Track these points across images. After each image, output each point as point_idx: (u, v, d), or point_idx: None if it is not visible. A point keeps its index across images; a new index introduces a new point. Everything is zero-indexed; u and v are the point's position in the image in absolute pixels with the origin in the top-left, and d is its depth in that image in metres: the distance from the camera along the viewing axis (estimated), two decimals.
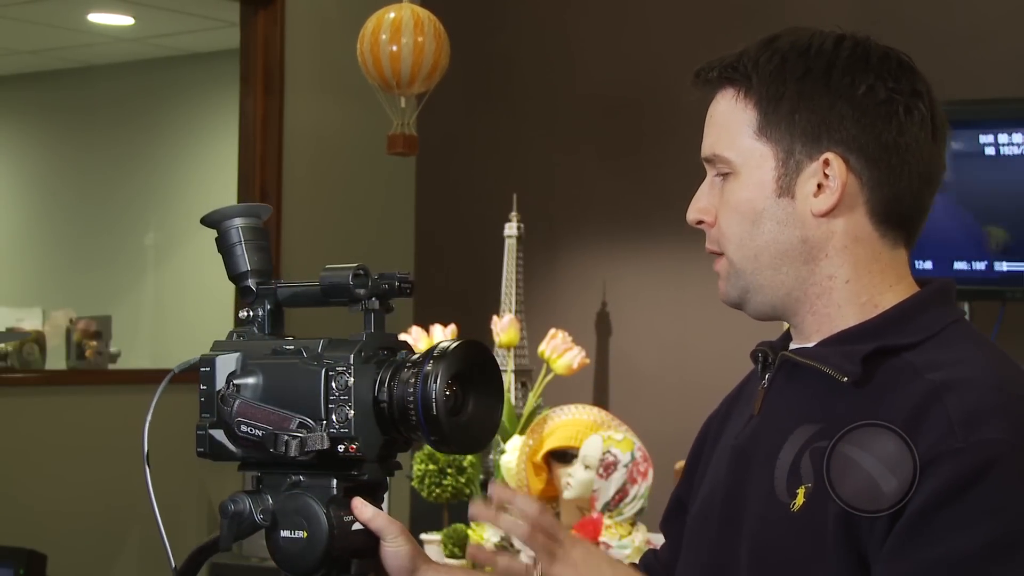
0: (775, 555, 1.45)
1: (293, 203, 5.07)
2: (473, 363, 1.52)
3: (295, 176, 5.09)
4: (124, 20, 7.18)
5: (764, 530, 1.47)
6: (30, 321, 6.39)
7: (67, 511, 4.68)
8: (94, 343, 5.51)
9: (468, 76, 4.96)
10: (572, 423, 3.69)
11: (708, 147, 1.56)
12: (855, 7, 4.47)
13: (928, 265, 3.66)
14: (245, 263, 1.63)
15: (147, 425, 1.64)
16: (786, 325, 1.59)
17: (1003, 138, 3.51)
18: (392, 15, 4.03)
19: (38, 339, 5.34)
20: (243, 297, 1.64)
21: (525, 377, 4.20)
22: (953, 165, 3.63)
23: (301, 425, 1.52)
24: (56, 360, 5.50)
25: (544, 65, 5.09)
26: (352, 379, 1.51)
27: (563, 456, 3.67)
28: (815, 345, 1.52)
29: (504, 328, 3.99)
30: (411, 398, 1.50)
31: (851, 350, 1.46)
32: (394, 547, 1.54)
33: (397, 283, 1.55)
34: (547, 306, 4.83)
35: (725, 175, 1.53)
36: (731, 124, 1.53)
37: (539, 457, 3.68)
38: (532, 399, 3.97)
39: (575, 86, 4.96)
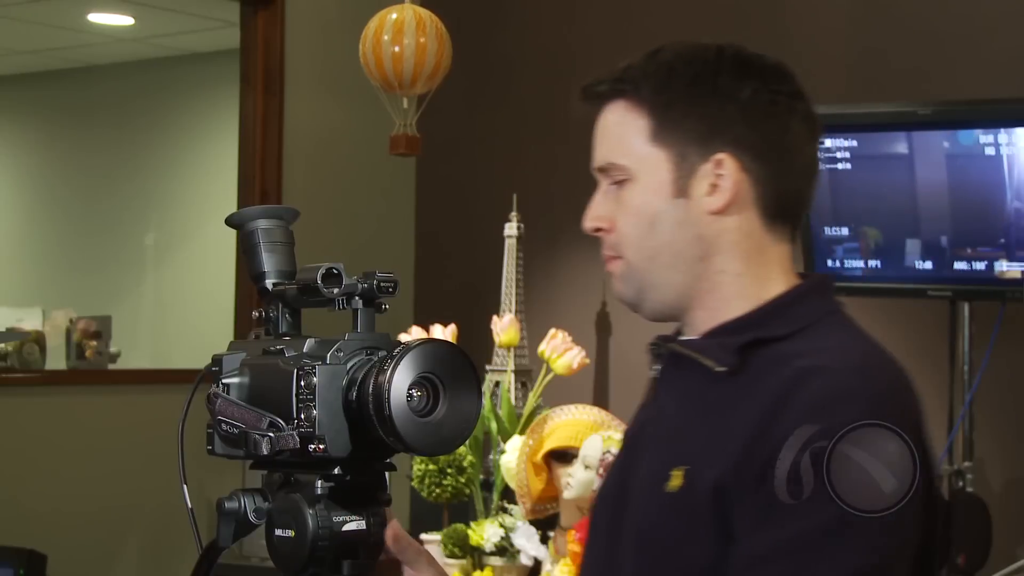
0: (654, 535, 1.52)
1: (293, 203, 5.02)
2: (445, 363, 1.52)
3: (295, 176, 5.09)
4: (124, 20, 7.18)
5: (645, 512, 1.54)
6: (30, 321, 6.38)
7: (67, 511, 4.68)
8: (94, 343, 5.51)
9: (469, 77, 4.96)
10: (572, 423, 3.69)
11: (602, 157, 1.63)
12: (855, 7, 4.47)
13: (928, 265, 3.66)
14: (262, 264, 1.64)
15: (183, 424, 1.67)
16: None
17: (1003, 138, 3.51)
18: (394, 16, 4.03)
19: (38, 339, 5.34)
20: (260, 297, 1.66)
21: (525, 377, 4.21)
22: (953, 165, 3.63)
23: (271, 425, 1.53)
24: (56, 360, 5.50)
25: (544, 65, 5.09)
26: (316, 379, 1.52)
27: (563, 456, 3.67)
28: (699, 337, 1.60)
29: (504, 328, 3.99)
30: (370, 397, 1.51)
31: (729, 341, 1.54)
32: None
33: (377, 283, 1.55)
34: (547, 306, 4.83)
35: (621, 182, 1.60)
36: (624, 133, 1.60)
37: (539, 457, 3.68)
38: (532, 399, 3.97)
39: (575, 86, 4.95)
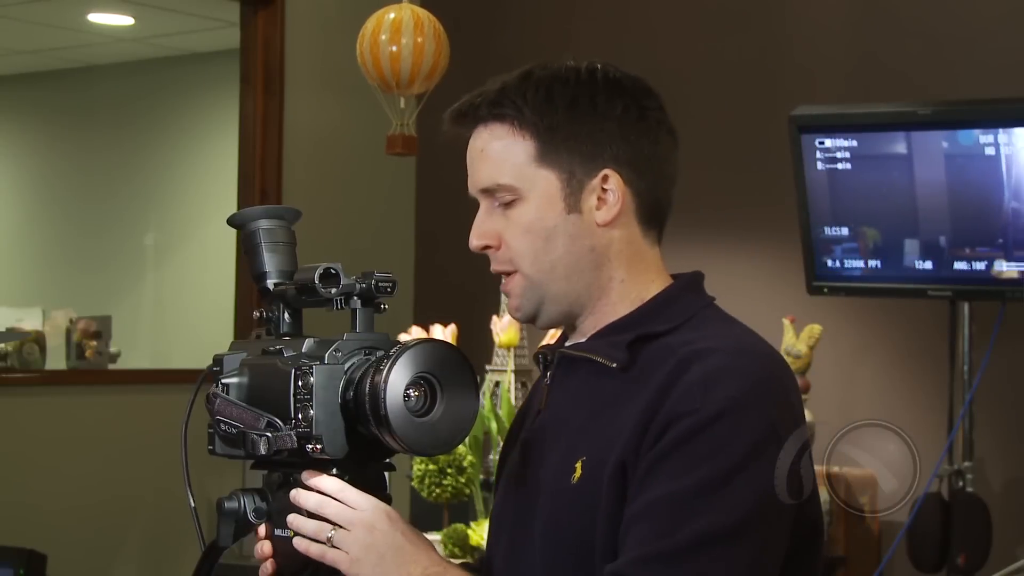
0: (560, 526, 1.61)
1: (293, 203, 5.02)
2: (442, 363, 1.52)
3: (295, 176, 5.09)
4: (124, 20, 7.18)
5: (552, 507, 1.62)
6: (30, 321, 6.38)
7: (67, 511, 4.68)
8: (94, 343, 5.50)
9: (468, 76, 4.94)
10: None
11: (487, 179, 1.69)
12: (855, 7, 4.47)
13: (928, 265, 3.67)
14: (263, 264, 1.65)
15: (186, 425, 1.72)
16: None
17: (1003, 138, 3.51)
18: (392, 15, 4.03)
19: (38, 339, 5.34)
20: (261, 297, 1.67)
21: (525, 377, 4.20)
22: (952, 165, 3.63)
23: (269, 425, 1.54)
24: (56, 360, 5.50)
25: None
26: (314, 379, 1.53)
27: None
28: (586, 340, 1.70)
29: (504, 328, 3.99)
30: (367, 397, 1.51)
31: (617, 340, 1.65)
32: None
33: (375, 283, 1.57)
34: None
35: (510, 202, 1.68)
36: (510, 156, 1.67)
37: None
38: None
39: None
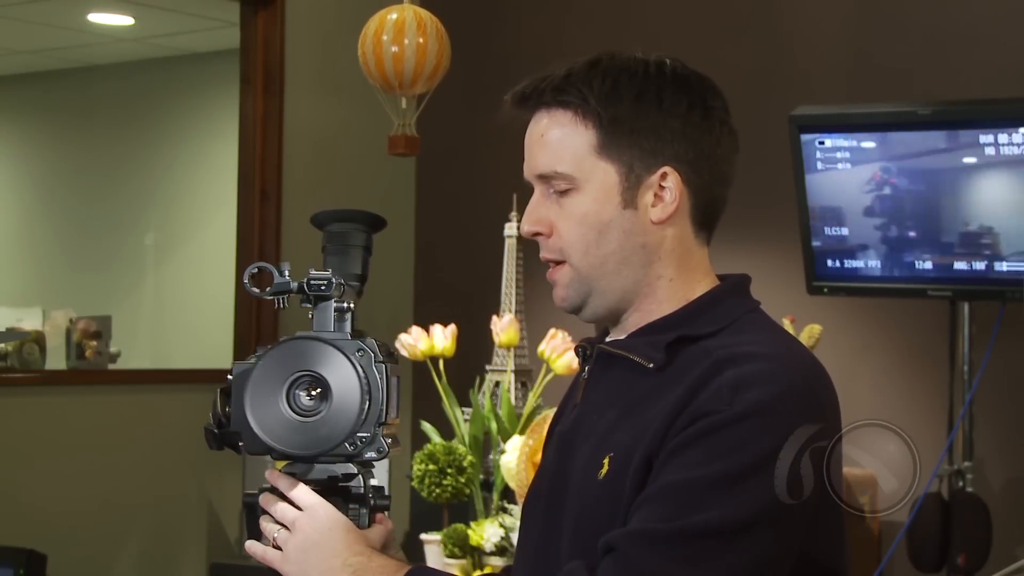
0: (588, 521, 1.61)
1: (293, 203, 5.06)
2: (307, 361, 1.50)
3: (295, 176, 5.09)
4: (124, 20, 7.18)
5: (581, 502, 1.63)
6: (30, 321, 6.38)
7: (67, 511, 4.68)
8: (94, 343, 5.50)
9: (468, 76, 4.96)
10: None
11: (544, 165, 1.67)
12: (854, 7, 4.47)
13: (928, 265, 3.67)
14: (325, 266, 1.65)
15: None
16: None
17: (1003, 138, 3.51)
18: (394, 16, 4.03)
19: (38, 339, 5.34)
20: None
21: (525, 377, 4.20)
22: (953, 165, 3.63)
23: (213, 418, 1.58)
24: (56, 360, 5.49)
25: (544, 65, 5.09)
26: (231, 377, 1.56)
27: None
28: (626, 337, 1.69)
29: (504, 328, 3.99)
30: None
31: (656, 340, 1.64)
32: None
33: (307, 282, 1.57)
34: (547, 306, 4.81)
35: (565, 191, 1.66)
36: (570, 144, 1.66)
37: (539, 457, 3.68)
38: (532, 399, 3.97)
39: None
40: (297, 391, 1.51)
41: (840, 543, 1.65)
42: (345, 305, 1.59)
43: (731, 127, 1.70)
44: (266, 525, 1.63)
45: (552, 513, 1.67)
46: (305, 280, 1.57)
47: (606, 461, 1.60)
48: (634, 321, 1.69)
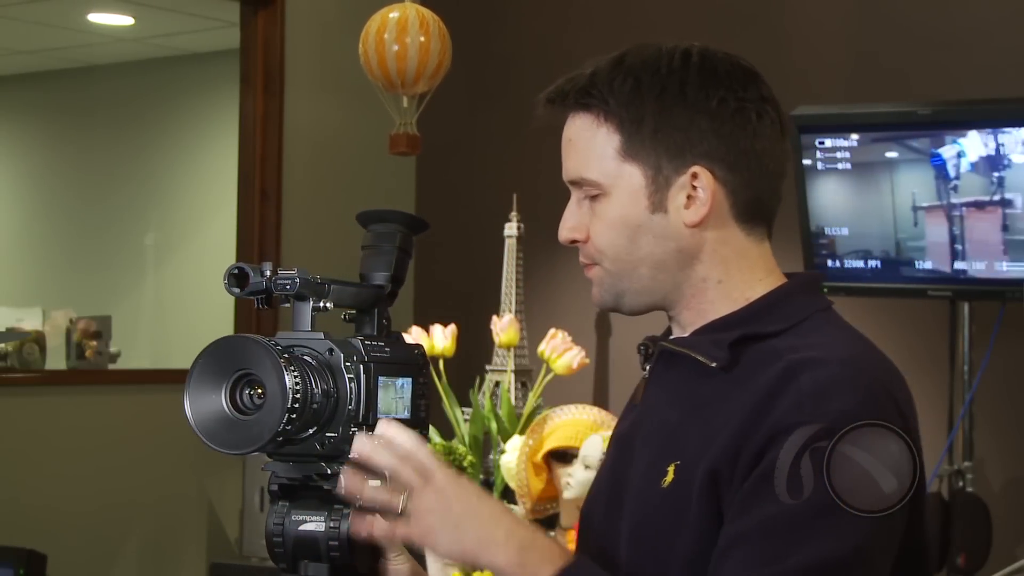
0: (648, 529, 1.54)
1: (293, 203, 5.07)
2: (241, 360, 1.48)
3: (295, 176, 5.09)
4: (124, 20, 7.18)
5: (640, 507, 1.56)
6: (30, 321, 6.38)
7: (67, 511, 4.68)
8: (94, 343, 5.51)
9: (468, 76, 4.97)
10: (572, 423, 3.69)
11: (573, 171, 1.62)
12: (855, 7, 4.48)
13: (928, 265, 3.66)
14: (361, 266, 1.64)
15: None
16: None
17: (1003, 138, 3.51)
18: (396, 15, 4.03)
19: (38, 339, 5.34)
20: None
21: (525, 377, 4.21)
22: (953, 164, 3.63)
23: None
24: (56, 360, 5.50)
25: (544, 65, 5.09)
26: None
27: (563, 456, 3.67)
28: (689, 334, 1.62)
29: (504, 328, 4.00)
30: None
31: (720, 338, 1.56)
32: (395, 565, 1.56)
33: (274, 281, 1.54)
34: (547, 306, 4.83)
35: (595, 196, 1.60)
36: (594, 148, 1.60)
37: (539, 457, 3.68)
38: (532, 399, 3.97)
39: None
40: (244, 390, 1.50)
41: (924, 529, 1.58)
42: (322, 304, 1.56)
43: (772, 117, 1.59)
44: (377, 495, 1.46)
45: (611, 516, 1.61)
46: (272, 279, 1.54)
47: (671, 469, 1.53)
48: (688, 318, 1.62)
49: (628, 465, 1.61)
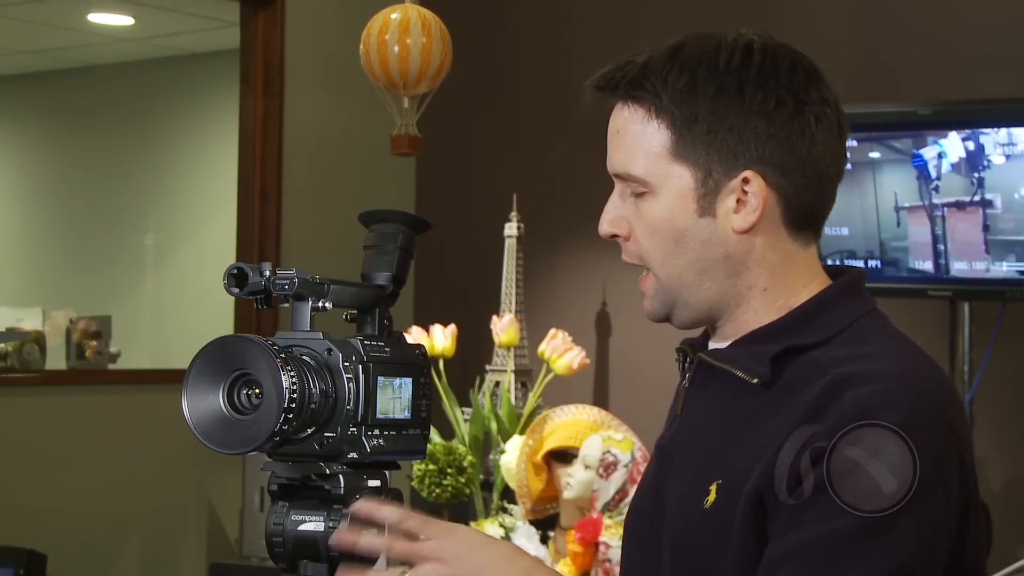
0: (690, 549, 1.49)
1: (293, 203, 5.07)
2: (238, 360, 1.47)
3: (295, 176, 5.09)
4: (124, 20, 7.18)
5: (681, 526, 1.51)
6: (30, 321, 6.38)
7: (67, 511, 4.68)
8: (94, 343, 5.50)
9: (468, 77, 4.96)
10: (572, 423, 3.69)
11: (619, 164, 1.55)
12: (856, 7, 4.48)
13: (928, 265, 3.67)
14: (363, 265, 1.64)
15: None
16: None
17: (1003, 138, 3.51)
18: (397, 15, 4.03)
19: (38, 339, 5.34)
20: None
21: (525, 377, 4.21)
22: (953, 164, 3.63)
23: None
24: (56, 360, 5.50)
25: (544, 65, 5.09)
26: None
27: (563, 456, 3.67)
28: (728, 346, 1.56)
29: (504, 328, 4.00)
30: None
31: (760, 351, 1.50)
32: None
33: (272, 281, 1.53)
34: (547, 306, 4.83)
35: (640, 194, 1.53)
36: (643, 144, 1.52)
37: (539, 457, 3.68)
38: (532, 399, 3.97)
39: (575, 87, 4.95)
40: (242, 390, 1.49)
41: (979, 543, 1.52)
42: (321, 305, 1.55)
43: (831, 120, 1.53)
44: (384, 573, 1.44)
45: (653, 532, 1.56)
46: (271, 280, 1.52)
47: (713, 488, 1.47)
48: (730, 329, 1.55)
49: (669, 479, 1.56)
